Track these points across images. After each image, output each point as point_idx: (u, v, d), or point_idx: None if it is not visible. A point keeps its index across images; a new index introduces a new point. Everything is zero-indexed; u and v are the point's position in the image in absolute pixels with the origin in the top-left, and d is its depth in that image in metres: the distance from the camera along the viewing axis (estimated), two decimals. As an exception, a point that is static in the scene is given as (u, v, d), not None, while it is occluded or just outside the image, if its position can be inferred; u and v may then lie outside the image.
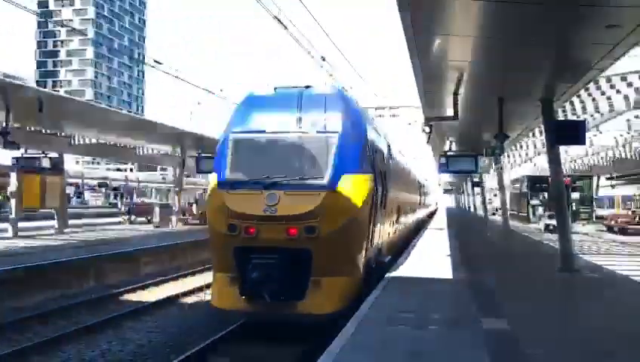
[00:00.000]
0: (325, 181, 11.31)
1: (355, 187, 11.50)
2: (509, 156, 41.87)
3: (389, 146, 16.11)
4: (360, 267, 11.95)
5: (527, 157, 39.96)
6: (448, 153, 23.27)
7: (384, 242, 15.11)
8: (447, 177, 60.43)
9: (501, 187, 27.57)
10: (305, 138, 11.71)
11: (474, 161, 22.05)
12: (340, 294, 11.37)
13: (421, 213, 34.72)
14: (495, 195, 59.53)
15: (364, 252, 12.09)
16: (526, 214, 41.05)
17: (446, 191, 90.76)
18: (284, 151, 11.75)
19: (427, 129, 17.37)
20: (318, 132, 11.74)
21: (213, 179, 11.95)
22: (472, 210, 55.07)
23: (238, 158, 11.85)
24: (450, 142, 25.55)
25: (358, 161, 11.80)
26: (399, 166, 19.57)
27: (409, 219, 23.64)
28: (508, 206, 34.06)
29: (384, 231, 14.83)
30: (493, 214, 53.90)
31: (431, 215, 57.45)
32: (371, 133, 13.11)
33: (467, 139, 24.43)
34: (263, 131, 11.96)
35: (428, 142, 20.21)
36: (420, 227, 33.92)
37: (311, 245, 11.15)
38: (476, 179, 40.07)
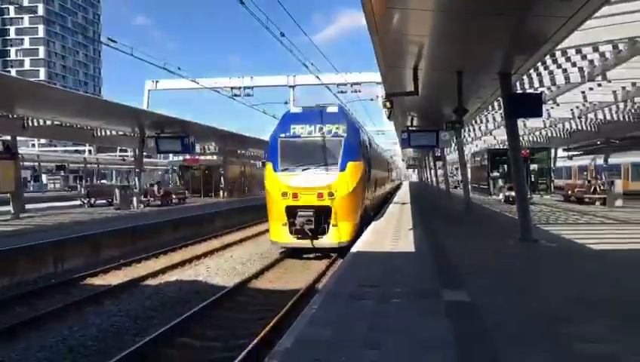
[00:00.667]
0: (338, 166, 18.91)
1: (355, 169, 19.11)
2: (469, 130, 41.75)
3: (369, 141, 24.84)
4: (357, 217, 19.48)
5: (487, 130, 40.20)
6: (410, 128, 23.42)
7: (369, 203, 23.04)
8: (410, 152, 61.19)
9: (462, 160, 27.79)
10: (324, 140, 19.34)
11: (435, 135, 22.27)
12: (347, 233, 18.67)
13: (389, 186, 44.00)
14: (457, 169, 59.83)
15: (359, 208, 19.74)
16: (487, 186, 41.52)
17: (410, 166, 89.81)
18: (312, 148, 19.26)
19: (388, 104, 17.44)
20: (332, 136, 19.40)
21: (269, 166, 19.31)
22: (434, 184, 55.47)
23: (284, 153, 19.28)
24: (412, 117, 25.44)
25: (357, 153, 19.36)
26: (375, 152, 27.54)
27: (382, 189, 33.53)
28: (469, 179, 34.39)
29: (369, 196, 22.75)
30: (455, 187, 54.67)
31: (397, 188, 62.75)
32: (362, 135, 21.19)
33: (428, 114, 24.24)
34: (299, 136, 19.57)
35: (390, 117, 20.21)
36: (389, 195, 43.29)
37: (330, 203, 18.59)
38: (437, 154, 40.34)
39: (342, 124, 19.61)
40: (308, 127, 19.64)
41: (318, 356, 7.01)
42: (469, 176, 43.27)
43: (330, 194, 18.60)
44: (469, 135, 45.55)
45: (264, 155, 32.52)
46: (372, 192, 24.22)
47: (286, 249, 19.85)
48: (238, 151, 50.77)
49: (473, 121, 35.63)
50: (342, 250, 18.33)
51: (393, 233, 18.11)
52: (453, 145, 34.65)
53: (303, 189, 18.68)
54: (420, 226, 20.02)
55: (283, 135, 19.67)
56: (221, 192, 45.49)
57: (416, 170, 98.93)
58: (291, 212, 18.74)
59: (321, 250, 19.23)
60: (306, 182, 18.73)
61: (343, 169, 18.91)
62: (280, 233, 18.95)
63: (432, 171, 58.28)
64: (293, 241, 18.79)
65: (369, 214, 23.30)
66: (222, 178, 46.00)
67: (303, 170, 19.02)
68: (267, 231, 20.98)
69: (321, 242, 18.68)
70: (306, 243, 18.68)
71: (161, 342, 10.66)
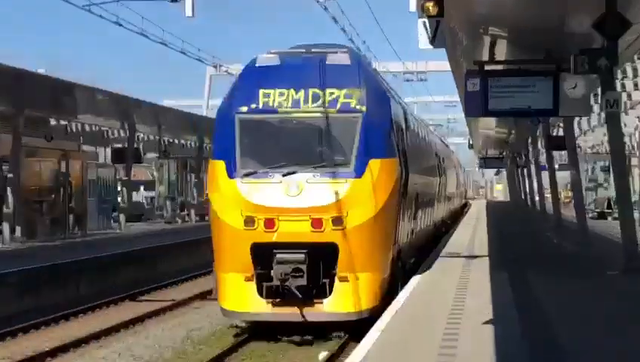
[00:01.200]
0: (352, 167, 11.28)
1: (384, 174, 11.41)
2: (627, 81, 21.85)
3: (406, 117, 14.70)
4: (388, 264, 12.08)
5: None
6: (487, 69, 14.35)
7: (406, 240, 14.23)
8: (488, 134, 35.82)
9: (616, 147, 13.17)
10: (326, 119, 11.39)
11: (550, 84, 13.45)
12: (371, 293, 11.36)
13: (447, 209, 26.75)
14: (605, 169, 30.58)
15: (392, 247, 12.10)
16: None
17: (486, 164, 48.43)
18: (302, 135, 11.63)
19: (432, 6, 8.87)
20: (341, 111, 11.39)
21: (218, 166, 11.38)
22: (547, 205, 28.51)
23: (248, 143, 11.46)
24: (493, 41, 14.02)
25: (386, 144, 11.60)
26: (419, 139, 16.86)
27: (433, 214, 20.24)
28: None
29: (406, 227, 13.96)
30: (600, 217, 30.80)
31: (458, 215, 36.47)
32: (395, 108, 12.79)
33: (532, 32, 13.61)
34: (275, 110, 11.50)
35: (434, 42, 11.64)
36: (444, 226, 26.55)
37: (338, 238, 11.08)
38: (556, 132, 23.32)
39: (359, 87, 11.50)
40: (294, 92, 11.46)
41: None
42: (636, 187, 27.27)
43: (337, 221, 10.96)
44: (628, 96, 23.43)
45: (207, 146, 25.35)
46: (412, 219, 14.72)
47: (250, 324, 11.84)
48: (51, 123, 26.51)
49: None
50: (358, 326, 10.59)
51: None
52: (596, 110, 21.99)
53: (284, 211, 11.02)
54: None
55: (245, 108, 11.49)
56: None
57: (500, 175, 61.29)
58: (263, 254, 10.99)
59: (318, 325, 11.10)
60: (292, 199, 11.05)
61: (360, 173, 11.20)
62: (240, 295, 11.08)
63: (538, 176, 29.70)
64: (265, 310, 11.08)
65: (405, 263, 14.19)
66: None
67: (285, 175, 11.17)
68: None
69: (319, 311, 11.01)
70: (289, 313, 10.99)
71: None
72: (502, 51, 14.82)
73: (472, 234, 24.21)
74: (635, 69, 19.33)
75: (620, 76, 19.51)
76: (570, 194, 27.35)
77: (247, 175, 11.16)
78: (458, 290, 11.40)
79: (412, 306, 10.03)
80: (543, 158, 30.12)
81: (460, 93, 19.67)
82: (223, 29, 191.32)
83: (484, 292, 10.84)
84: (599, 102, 16.79)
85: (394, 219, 12.01)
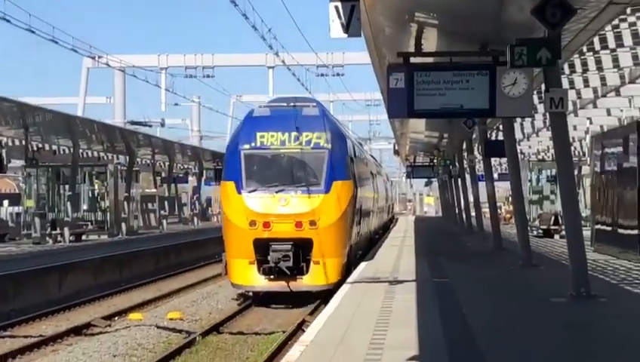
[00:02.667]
0: (322, 186, 16.28)
1: (343, 190, 16.51)
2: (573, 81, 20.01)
3: (354, 149, 19.76)
4: (346, 253, 17.08)
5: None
6: (414, 62, 12.19)
7: (355, 238, 18.93)
8: (416, 138, 33.82)
9: (562, 152, 11.60)
10: (303, 154, 16.47)
11: (485, 80, 11.58)
12: (335, 272, 16.16)
13: (381, 218, 31.99)
14: (551, 180, 27.70)
15: (348, 241, 17.23)
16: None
17: (414, 173, 44.74)
18: (288, 164, 16.57)
19: None
20: (313, 148, 16.40)
21: (229, 185, 16.26)
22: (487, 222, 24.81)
23: (250, 169, 16.36)
24: (419, 27, 12.33)
25: (344, 170, 16.71)
26: (363, 165, 22.14)
27: (373, 221, 26.50)
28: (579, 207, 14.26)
29: (355, 230, 18.83)
30: (545, 231, 27.04)
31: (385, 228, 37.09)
32: (349, 145, 18.20)
33: (465, 21, 12.40)
34: (268, 148, 16.42)
35: (349, 30, 9.62)
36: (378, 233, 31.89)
37: (312, 235, 15.91)
38: (495, 136, 22.06)
39: (325, 131, 16.47)
40: (280, 135, 16.41)
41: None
42: (587, 200, 23.93)
43: (312, 223, 15.95)
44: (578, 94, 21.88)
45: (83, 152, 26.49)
46: (360, 223, 19.76)
47: (252, 294, 17.02)
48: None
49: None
50: (326, 292, 15.53)
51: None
52: (541, 111, 19.61)
53: (277, 217, 15.98)
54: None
55: (247, 146, 16.38)
56: None
57: (431, 186, 56.20)
58: (261, 246, 15.88)
59: (300, 294, 16.40)
60: (282, 208, 16.04)
61: (327, 190, 16.22)
62: (245, 274, 16.07)
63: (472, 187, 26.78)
64: (263, 284, 16.12)
65: (355, 254, 19.62)
66: None
67: (277, 191, 16.14)
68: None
69: (300, 284, 16.05)
70: (280, 285, 16.04)
71: None
72: (431, 42, 12.80)
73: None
74: (584, 63, 17.40)
75: (567, 71, 17.57)
76: (511, 208, 24.69)
77: (250, 191, 16.02)
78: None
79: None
80: (480, 167, 27.65)
81: (382, 91, 17.84)
82: (107, 19, 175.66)
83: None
84: (538, 94, 14.86)
85: (350, 223, 17.11)
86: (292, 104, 17.01)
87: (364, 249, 22.96)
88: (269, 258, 15.54)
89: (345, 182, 16.42)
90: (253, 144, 16.21)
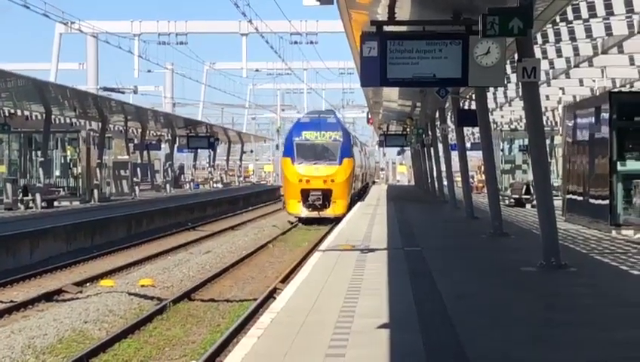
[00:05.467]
0: (337, 161, 29.87)
1: (348, 164, 30.30)
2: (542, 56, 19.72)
3: (354, 142, 34.74)
4: (349, 198, 30.63)
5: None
6: (387, 30, 12.05)
7: (354, 190, 33.71)
8: (393, 107, 35.61)
9: (534, 123, 11.89)
10: (327, 143, 30.40)
11: (458, 49, 11.49)
12: (343, 207, 29.27)
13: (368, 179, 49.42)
14: (523, 150, 27.50)
15: (350, 191, 31.23)
16: (608, 201, 16.33)
17: (387, 141, 45.78)
18: (319, 148, 30.31)
19: None
20: (332, 140, 30.40)
21: (288, 160, 30.19)
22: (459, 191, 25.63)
23: (299, 151, 29.97)
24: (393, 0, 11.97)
25: (349, 153, 30.52)
26: (359, 150, 37.96)
27: (364, 180, 43.31)
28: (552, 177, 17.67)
29: (354, 186, 33.73)
30: (517, 201, 27.42)
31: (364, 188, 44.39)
32: (352, 139, 33.24)
33: None
34: (309, 140, 30.29)
35: None
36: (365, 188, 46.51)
37: (332, 187, 29.39)
38: (468, 105, 22.05)
39: (339, 131, 30.63)
40: (315, 132, 30.06)
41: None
42: (559, 170, 24.63)
43: (332, 181, 29.16)
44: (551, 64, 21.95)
45: (56, 118, 33.24)
46: (357, 181, 34.19)
47: (299, 218, 30.06)
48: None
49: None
50: (338, 219, 25.80)
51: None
52: (514, 80, 20.00)
53: (313, 177, 29.19)
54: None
55: (297, 138, 30.12)
56: None
57: (404, 154, 58.83)
58: (304, 192, 29.08)
59: (325, 219, 28.87)
60: (315, 172, 29.24)
61: (340, 163, 29.58)
62: (296, 207, 29.58)
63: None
64: (305, 213, 29.44)
65: (354, 198, 32.98)
66: None
67: (313, 163, 29.55)
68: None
69: (325, 213, 29.07)
70: (314, 214, 29.22)
71: None
72: (404, 10, 12.61)
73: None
74: (557, 34, 17.34)
75: (540, 41, 17.50)
76: (484, 178, 24.46)
77: (299, 163, 29.57)
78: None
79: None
80: (453, 136, 27.46)
81: (355, 59, 17.49)
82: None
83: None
84: (510, 63, 14.79)
85: (351, 181, 30.81)
86: (321, 115, 31.53)
87: (356, 196, 35.67)
88: (308, 199, 28.97)
89: (349, 159, 30.05)
90: (300, 137, 30.02)
